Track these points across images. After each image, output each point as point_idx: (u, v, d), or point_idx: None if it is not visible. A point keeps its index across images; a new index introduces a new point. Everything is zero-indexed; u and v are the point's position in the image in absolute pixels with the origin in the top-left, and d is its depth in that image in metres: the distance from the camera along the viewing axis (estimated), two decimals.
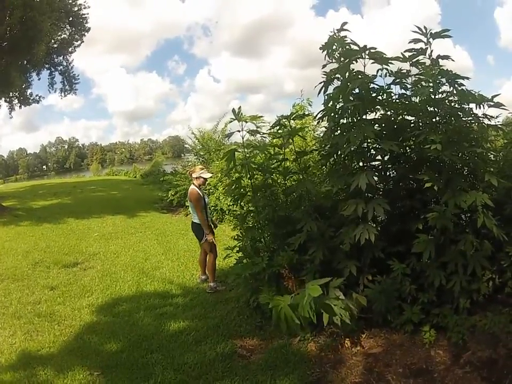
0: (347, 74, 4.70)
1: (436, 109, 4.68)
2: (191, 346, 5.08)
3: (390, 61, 4.69)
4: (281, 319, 2.86)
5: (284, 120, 5.37)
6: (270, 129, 5.87)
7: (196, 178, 6.99)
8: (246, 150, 5.47)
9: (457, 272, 4.17)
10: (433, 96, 4.55)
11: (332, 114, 4.92)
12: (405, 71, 4.87)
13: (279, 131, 5.58)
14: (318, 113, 5.09)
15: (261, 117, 5.94)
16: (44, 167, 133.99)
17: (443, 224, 4.09)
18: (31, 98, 22.83)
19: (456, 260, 4.17)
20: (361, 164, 4.95)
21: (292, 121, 5.54)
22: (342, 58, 4.75)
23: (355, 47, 4.65)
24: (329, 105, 4.91)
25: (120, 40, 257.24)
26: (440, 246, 4.24)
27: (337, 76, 4.82)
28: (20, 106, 22.69)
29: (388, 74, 4.81)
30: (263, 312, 5.34)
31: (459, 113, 4.62)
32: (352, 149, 4.52)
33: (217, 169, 12.40)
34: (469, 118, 4.65)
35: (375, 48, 4.55)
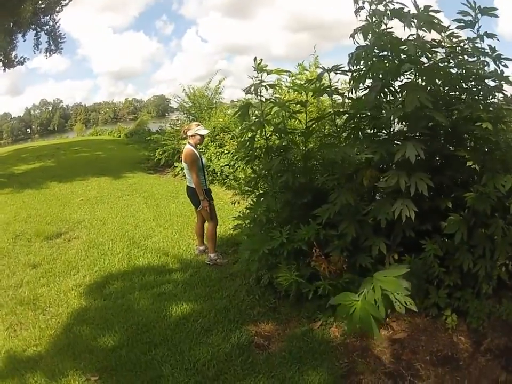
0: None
1: (478, 86, 4.22)
2: (200, 336, 4.26)
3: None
4: (354, 320, 2.49)
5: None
6: (307, 84, 4.78)
7: (192, 136, 6.00)
8: (262, 106, 4.60)
9: (484, 257, 3.88)
10: (481, 72, 4.14)
11: (375, 74, 4.19)
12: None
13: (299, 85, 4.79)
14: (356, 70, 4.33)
15: (287, 71, 5.01)
16: (28, 130, 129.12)
17: (481, 206, 3.73)
18: (16, 60, 22.34)
19: (484, 243, 3.87)
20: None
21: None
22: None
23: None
24: (369, 62, 4.19)
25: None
26: (470, 228, 3.89)
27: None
28: (4, 69, 22.19)
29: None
30: (276, 290, 4.71)
31: (500, 94, 4.14)
32: (401, 114, 3.84)
33: (210, 128, 11.47)
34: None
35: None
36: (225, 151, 11.13)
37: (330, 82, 4.34)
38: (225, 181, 10.84)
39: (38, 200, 10.60)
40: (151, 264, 6.10)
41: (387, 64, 4.12)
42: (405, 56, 3.98)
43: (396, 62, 4.05)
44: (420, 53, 3.95)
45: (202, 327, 4.41)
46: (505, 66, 3.97)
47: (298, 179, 4.52)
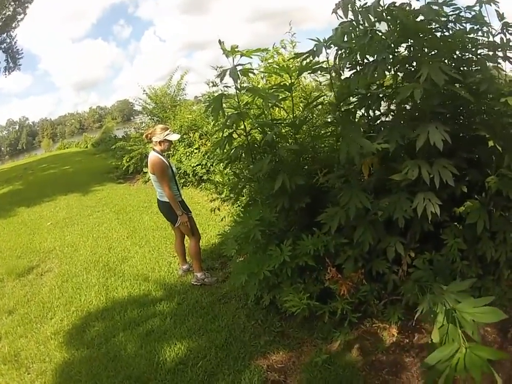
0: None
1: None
2: None
3: None
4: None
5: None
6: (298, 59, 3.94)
7: (159, 142, 4.94)
8: (239, 96, 3.75)
9: (505, 242, 3.47)
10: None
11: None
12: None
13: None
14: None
15: (266, 49, 4.11)
16: None
17: (506, 190, 3.25)
18: None
19: (504, 228, 3.46)
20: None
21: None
22: None
23: None
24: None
25: (65, 10, 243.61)
26: (489, 214, 3.42)
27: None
28: None
29: None
30: (279, 311, 3.98)
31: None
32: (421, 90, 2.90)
33: (176, 127, 10.74)
34: None
35: None
36: (195, 150, 10.35)
37: (328, 58, 3.46)
38: (200, 183, 10.05)
39: (7, 230, 9.55)
40: (132, 295, 5.18)
41: (383, 37, 3.31)
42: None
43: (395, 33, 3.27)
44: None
45: (204, 371, 3.59)
46: None
47: (295, 180, 3.59)
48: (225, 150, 3.96)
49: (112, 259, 6.47)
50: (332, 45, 3.36)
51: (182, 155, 10.48)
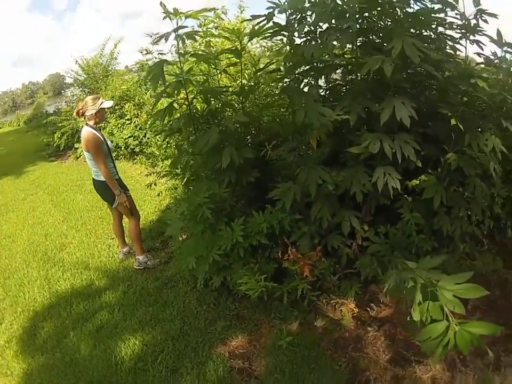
0: None
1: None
2: (170, 382, 3.19)
3: None
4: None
5: None
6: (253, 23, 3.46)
7: (93, 114, 4.37)
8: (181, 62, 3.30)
9: (460, 217, 3.49)
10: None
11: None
12: None
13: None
14: None
15: (213, 9, 3.68)
16: None
17: (467, 168, 3.21)
18: None
19: (460, 204, 3.46)
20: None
21: None
22: None
23: None
24: None
25: None
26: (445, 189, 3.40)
27: None
28: None
29: None
30: (230, 292, 3.82)
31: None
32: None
33: (108, 98, 9.94)
34: None
35: None
36: (127, 121, 9.81)
37: (287, 22, 3.10)
38: (133, 155, 9.62)
39: None
40: (75, 287, 4.74)
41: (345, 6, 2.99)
42: None
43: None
44: None
45: (166, 367, 3.31)
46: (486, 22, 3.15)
47: (242, 154, 3.28)
48: (164, 122, 3.55)
49: (50, 247, 5.96)
50: (290, 9, 3.04)
51: (113, 127, 9.93)
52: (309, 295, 3.34)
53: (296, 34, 3.15)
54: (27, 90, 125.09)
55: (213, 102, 3.49)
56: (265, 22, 3.02)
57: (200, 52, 3.85)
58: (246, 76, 4.29)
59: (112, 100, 9.35)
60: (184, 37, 3.09)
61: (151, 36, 9.28)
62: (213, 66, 3.43)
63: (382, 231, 3.38)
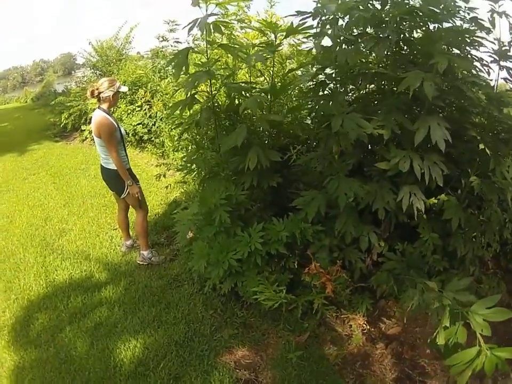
0: None
1: None
2: None
3: None
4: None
5: None
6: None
7: (109, 97, 4.12)
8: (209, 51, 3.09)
9: (474, 240, 3.41)
10: None
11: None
12: None
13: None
14: None
15: None
16: None
17: (490, 194, 3.12)
18: None
19: (475, 227, 3.36)
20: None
21: None
22: None
23: None
24: None
25: None
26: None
27: None
28: None
29: None
30: (239, 298, 3.64)
31: None
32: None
33: (120, 83, 9.59)
34: None
35: None
36: (137, 108, 9.50)
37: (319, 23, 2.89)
38: (140, 143, 9.39)
39: None
40: (73, 278, 4.50)
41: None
42: None
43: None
44: None
45: (169, 373, 3.11)
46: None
47: (268, 156, 3.05)
48: (185, 114, 3.34)
49: (49, 232, 5.72)
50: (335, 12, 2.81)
51: (123, 113, 9.61)
52: (323, 309, 3.19)
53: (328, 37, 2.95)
54: (37, 68, 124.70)
55: (237, 98, 3.27)
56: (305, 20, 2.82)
57: (227, 43, 3.56)
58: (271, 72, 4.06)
59: (124, 84, 9.16)
60: (212, 26, 2.82)
61: (168, 23, 9.10)
62: (240, 60, 3.19)
63: (399, 248, 3.28)
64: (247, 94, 3.20)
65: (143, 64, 10.97)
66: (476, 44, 2.92)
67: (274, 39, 3.04)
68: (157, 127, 8.75)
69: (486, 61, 3.01)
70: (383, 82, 3.23)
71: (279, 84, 3.47)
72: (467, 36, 2.80)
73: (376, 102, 3.35)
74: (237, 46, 3.12)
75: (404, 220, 3.23)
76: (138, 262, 4.60)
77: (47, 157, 10.23)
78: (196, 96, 3.19)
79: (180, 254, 4.61)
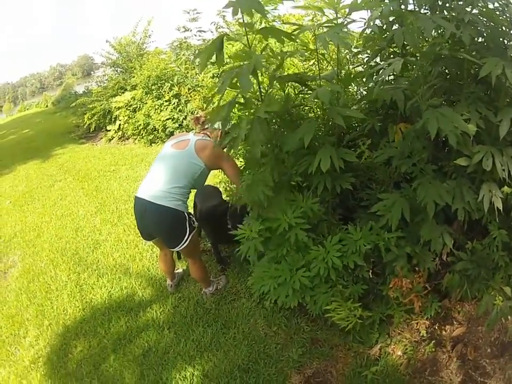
0: None
1: None
2: None
3: None
4: None
5: None
6: None
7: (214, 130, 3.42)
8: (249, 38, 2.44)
9: None
10: None
11: None
12: None
13: None
14: None
15: None
16: None
17: None
18: None
19: None
20: None
21: None
22: None
23: None
24: None
25: None
26: None
27: None
28: None
29: None
30: (303, 309, 3.21)
31: None
32: None
33: (143, 78, 9.87)
34: None
35: None
36: (165, 103, 9.35)
37: None
38: None
39: None
40: (113, 297, 4.15)
41: None
42: None
43: None
44: None
45: None
46: None
47: (342, 156, 2.62)
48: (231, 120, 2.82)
49: (81, 245, 5.38)
50: None
51: (150, 108, 9.52)
52: (398, 320, 2.94)
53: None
54: (55, 72, 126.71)
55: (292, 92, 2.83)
56: None
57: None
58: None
59: (149, 79, 9.47)
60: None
61: (188, 13, 8.75)
62: (287, 44, 2.74)
63: (469, 247, 2.97)
64: (312, 85, 2.74)
65: (166, 57, 10.79)
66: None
67: (335, 17, 2.54)
68: (189, 121, 8.46)
69: None
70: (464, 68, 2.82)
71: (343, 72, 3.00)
72: None
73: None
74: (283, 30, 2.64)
75: (476, 218, 2.88)
76: (205, 295, 3.91)
77: (73, 160, 10.01)
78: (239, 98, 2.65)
79: (231, 262, 4.23)
